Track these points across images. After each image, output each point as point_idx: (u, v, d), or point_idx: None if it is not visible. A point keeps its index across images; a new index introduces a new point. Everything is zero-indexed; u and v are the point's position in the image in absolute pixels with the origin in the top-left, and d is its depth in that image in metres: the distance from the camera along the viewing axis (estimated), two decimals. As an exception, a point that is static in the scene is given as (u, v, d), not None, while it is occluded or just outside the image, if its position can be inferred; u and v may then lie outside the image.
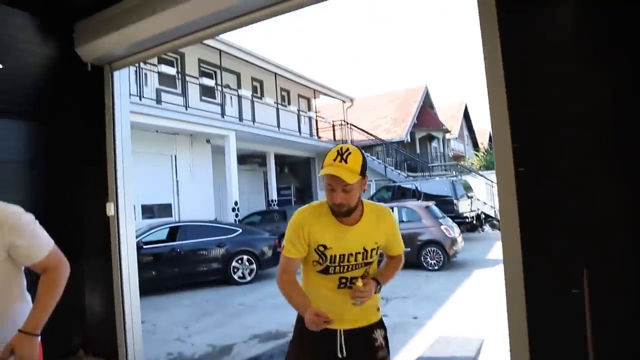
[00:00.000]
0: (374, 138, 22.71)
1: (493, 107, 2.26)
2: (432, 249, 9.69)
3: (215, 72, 15.41)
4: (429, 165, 24.43)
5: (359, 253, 1.93)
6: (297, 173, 21.23)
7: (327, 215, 1.93)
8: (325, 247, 1.92)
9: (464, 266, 9.86)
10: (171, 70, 12.95)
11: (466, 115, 34.72)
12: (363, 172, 1.87)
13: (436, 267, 9.56)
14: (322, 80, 21.24)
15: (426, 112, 27.67)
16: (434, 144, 28.83)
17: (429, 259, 9.66)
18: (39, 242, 1.97)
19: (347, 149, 1.85)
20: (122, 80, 4.28)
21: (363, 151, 2.00)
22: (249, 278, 9.30)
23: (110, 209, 4.14)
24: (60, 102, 4.33)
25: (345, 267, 1.93)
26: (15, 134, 4.08)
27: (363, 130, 22.44)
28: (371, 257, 1.96)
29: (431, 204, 10.97)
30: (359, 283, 1.88)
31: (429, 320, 5.89)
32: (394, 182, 18.97)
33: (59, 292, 1.99)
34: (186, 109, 12.80)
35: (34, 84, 4.16)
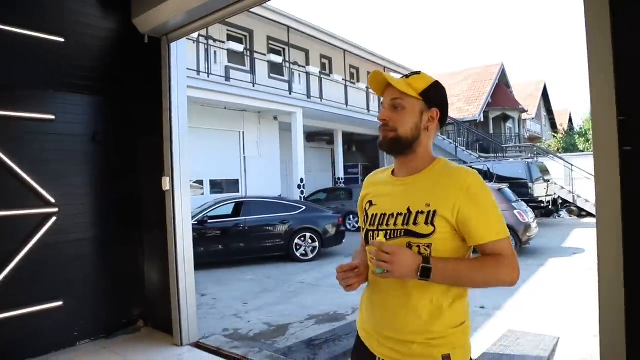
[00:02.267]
0: (445, 117, 21.66)
1: (594, 63, 1.75)
2: (506, 233, 8.99)
3: (283, 49, 15.24)
4: (503, 146, 23.01)
5: (400, 214, 1.37)
6: (364, 151, 20.78)
7: (387, 172, 1.54)
8: (370, 203, 1.51)
9: (537, 254, 9.08)
10: (239, 48, 12.91)
11: (545, 95, 32.28)
12: (430, 98, 1.40)
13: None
14: (392, 57, 20.48)
15: (501, 90, 25.99)
16: (509, 124, 27.10)
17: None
18: None
19: (418, 72, 1.45)
20: (179, 53, 4.12)
21: (442, 85, 1.48)
22: (311, 256, 9.16)
23: (165, 184, 4.04)
24: (119, 76, 4.28)
25: (383, 232, 1.40)
26: (79, 109, 4.09)
27: (433, 109, 21.41)
28: (415, 223, 1.33)
29: (504, 186, 10.19)
30: (380, 238, 1.34)
31: (497, 311, 5.39)
32: (464, 162, 18.03)
33: None
34: (253, 86, 12.75)
35: (95, 57, 4.13)
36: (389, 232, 1.39)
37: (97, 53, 4.13)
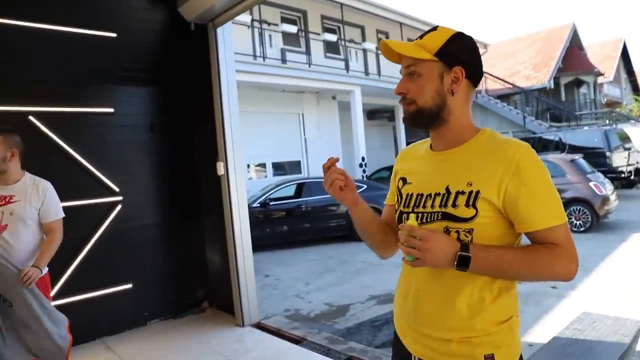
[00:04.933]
0: (511, 86, 20.40)
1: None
2: (578, 207, 8.33)
3: (338, 27, 14.93)
4: (576, 113, 21.31)
5: (438, 195, 1.18)
6: (426, 127, 20.13)
7: (426, 145, 1.33)
8: (404, 181, 1.31)
9: (618, 228, 8.33)
10: (293, 29, 12.78)
11: (624, 55, 29.35)
12: (448, 56, 1.17)
13: (582, 229, 8.22)
14: (453, 26, 19.45)
15: (574, 53, 23.94)
16: (583, 89, 25.01)
17: (573, 219, 8.34)
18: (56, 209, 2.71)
19: (435, 28, 1.22)
20: (226, 38, 4.07)
21: (466, 35, 1.23)
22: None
23: (220, 168, 4.05)
24: (170, 65, 4.32)
25: (418, 215, 1.21)
26: (135, 100, 4.18)
27: (498, 78, 20.24)
28: (455, 204, 1.14)
29: (577, 157, 9.40)
30: (411, 220, 1.13)
31: (571, 291, 4.96)
32: (533, 133, 16.91)
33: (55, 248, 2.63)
34: (310, 67, 12.62)
35: (146, 49, 4.18)
36: (424, 215, 1.20)
37: (147, 45, 4.19)
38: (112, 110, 3.99)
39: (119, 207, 4.02)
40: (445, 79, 1.18)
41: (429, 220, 1.19)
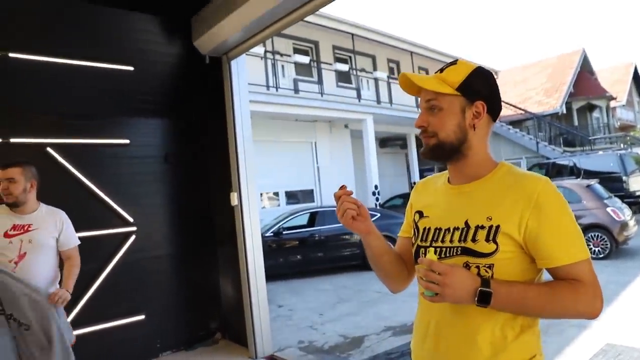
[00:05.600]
0: (523, 112, 20.36)
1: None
2: (596, 234, 8.14)
3: (349, 56, 15.14)
4: (590, 138, 21.11)
5: (457, 229, 1.17)
6: (438, 154, 20.08)
7: (443, 178, 1.32)
8: (421, 214, 1.30)
9: (638, 255, 8.10)
10: (305, 59, 13.00)
11: (636, 79, 29.21)
12: (470, 91, 1.17)
13: (601, 256, 8.00)
14: (462, 55, 19.65)
15: (584, 78, 23.91)
16: (595, 113, 24.84)
17: (591, 246, 8.13)
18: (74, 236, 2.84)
19: (455, 62, 1.23)
20: (240, 70, 4.13)
21: (486, 70, 1.24)
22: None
23: (234, 199, 4.05)
24: (185, 97, 4.39)
25: (437, 250, 1.19)
26: (151, 132, 4.24)
27: (510, 104, 20.23)
28: (475, 239, 1.13)
29: (593, 182, 9.24)
30: (430, 255, 1.11)
31: (593, 321, 4.76)
32: (547, 158, 16.75)
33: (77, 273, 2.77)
34: (322, 96, 12.76)
35: (162, 82, 4.26)
36: (443, 249, 1.18)
37: (163, 78, 4.27)
38: (127, 141, 4.04)
39: (133, 237, 4.01)
40: (467, 113, 1.18)
41: (448, 255, 1.17)
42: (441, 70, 1.23)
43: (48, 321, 2.38)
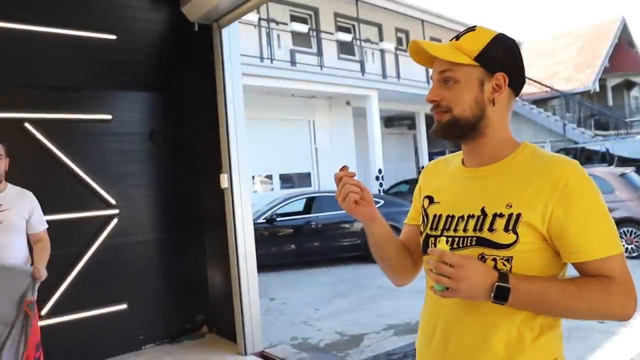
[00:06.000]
0: (549, 89, 20.47)
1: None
2: (629, 229, 8.29)
3: (353, 25, 15.19)
4: (626, 120, 21.26)
5: (472, 217, 1.17)
6: (452, 135, 20.19)
7: (457, 159, 1.33)
8: (431, 200, 1.30)
9: (674, 252, 8.30)
10: (304, 28, 13.06)
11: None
12: (490, 61, 1.17)
13: (634, 254, 8.18)
14: (481, 24, 19.63)
15: (623, 51, 23.91)
16: (634, 92, 24.96)
17: (624, 243, 8.30)
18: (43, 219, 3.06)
19: (473, 28, 1.22)
20: (232, 39, 4.28)
21: (509, 37, 1.23)
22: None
23: (224, 181, 4.23)
24: (172, 69, 4.55)
25: (449, 240, 1.18)
26: (135, 107, 4.43)
27: (534, 81, 20.32)
28: (492, 229, 1.13)
29: (629, 170, 9.36)
30: (441, 245, 1.11)
31: (621, 327, 4.78)
32: (575, 143, 16.94)
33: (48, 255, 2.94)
34: (322, 69, 12.85)
35: (146, 52, 4.42)
36: (456, 239, 1.19)
37: (148, 47, 4.43)
38: (110, 117, 4.22)
39: (115, 221, 4.22)
40: (486, 86, 1.18)
41: (461, 245, 1.17)
42: (457, 37, 1.22)
43: (7, 305, 2.63)
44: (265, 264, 7.47)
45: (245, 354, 4.19)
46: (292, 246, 8.94)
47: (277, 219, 8.80)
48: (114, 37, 4.17)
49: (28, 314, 2.74)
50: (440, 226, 1.24)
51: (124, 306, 4.23)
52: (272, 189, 12.88)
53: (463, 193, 1.23)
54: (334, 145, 14.07)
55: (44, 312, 3.77)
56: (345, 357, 4.55)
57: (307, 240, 9.04)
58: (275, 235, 8.82)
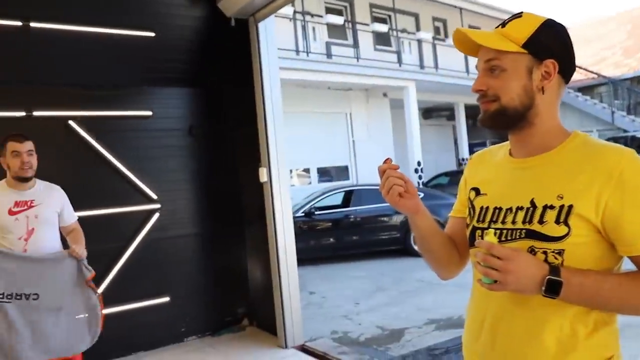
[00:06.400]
0: (596, 76, 19.71)
1: None
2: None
3: (389, 16, 15.01)
4: (680, 107, 20.26)
5: (521, 209, 1.14)
6: (492, 126, 19.75)
7: (504, 150, 1.30)
8: (477, 192, 1.28)
9: None
10: (339, 20, 12.99)
11: None
12: (539, 48, 1.13)
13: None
14: (523, 10, 19.06)
15: (676, 34, 22.79)
16: (690, 76, 23.72)
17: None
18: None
19: (519, 15, 1.19)
20: (269, 33, 4.27)
21: (558, 23, 1.19)
22: (431, 249, 8.98)
23: (262, 175, 4.24)
24: (209, 65, 4.59)
25: (497, 232, 1.16)
26: (174, 102, 4.49)
27: (580, 67, 19.60)
28: (542, 221, 1.10)
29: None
30: (489, 237, 1.09)
31: None
32: (624, 131, 16.28)
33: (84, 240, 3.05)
34: (358, 61, 12.77)
35: (184, 48, 4.47)
36: (504, 232, 1.16)
37: (185, 44, 4.47)
38: (150, 113, 4.29)
39: (157, 215, 4.30)
40: (535, 74, 1.15)
41: (509, 238, 1.15)
42: (503, 24, 1.19)
43: (58, 291, 2.81)
44: (303, 258, 7.47)
45: (286, 347, 4.19)
46: (331, 240, 8.94)
47: (316, 213, 8.82)
48: (152, 34, 4.22)
49: (95, 289, 2.93)
50: (488, 218, 1.22)
51: (166, 299, 4.31)
52: (310, 183, 12.91)
53: (511, 184, 1.20)
54: (372, 138, 13.98)
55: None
56: (386, 352, 4.51)
57: (345, 234, 9.01)
58: (314, 228, 8.83)
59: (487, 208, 1.23)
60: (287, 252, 4.27)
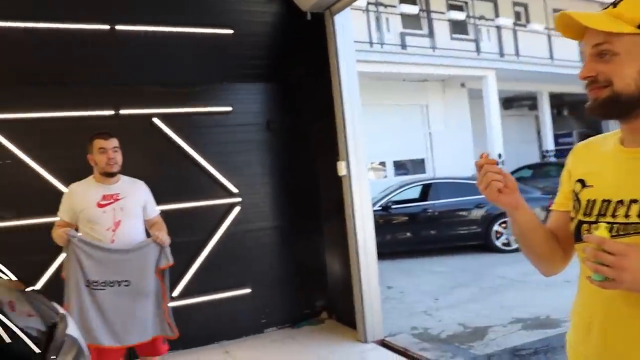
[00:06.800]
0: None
1: None
2: None
3: (465, 3, 14.51)
4: None
5: (635, 202, 1.06)
6: (580, 115, 18.58)
7: (613, 139, 1.21)
8: (583, 183, 1.21)
9: None
10: (414, 10, 12.73)
11: None
12: None
13: None
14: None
15: None
16: None
17: None
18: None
19: None
20: (345, 26, 4.23)
21: None
22: (514, 246, 8.59)
23: (341, 168, 4.22)
24: (286, 59, 4.64)
25: (605, 226, 1.07)
26: (253, 98, 4.58)
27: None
28: None
29: None
30: (601, 231, 1.01)
31: None
32: None
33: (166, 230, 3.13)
34: (433, 51, 12.47)
35: (262, 44, 4.54)
36: (615, 226, 1.08)
37: (263, 39, 4.52)
38: (230, 108, 4.40)
39: (237, 209, 4.40)
40: None
41: (622, 233, 1.07)
42: (614, 4, 1.09)
43: (146, 277, 2.95)
44: (379, 252, 7.42)
45: (366, 341, 4.17)
46: (408, 234, 8.81)
47: (393, 207, 8.72)
48: (231, 31, 4.29)
49: (159, 279, 3.00)
50: (595, 212, 1.14)
51: (247, 290, 4.41)
52: (386, 176, 12.79)
53: (623, 175, 1.11)
54: (449, 130, 13.62)
55: (175, 294, 4.05)
56: (469, 350, 4.36)
57: (423, 228, 8.84)
58: (390, 222, 8.73)
59: (594, 201, 1.15)
60: (366, 247, 4.24)
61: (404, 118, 13.01)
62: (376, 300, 4.28)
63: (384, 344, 4.18)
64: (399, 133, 12.75)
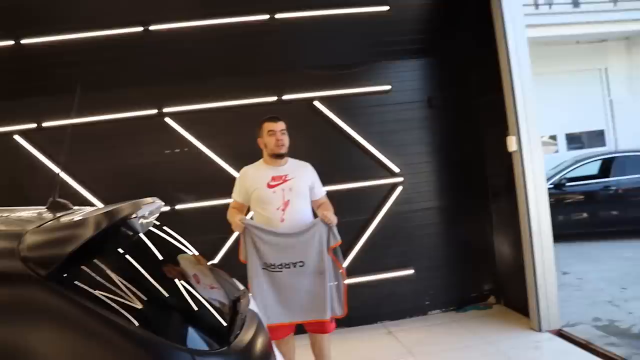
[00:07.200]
0: None
1: None
2: None
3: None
4: None
5: None
6: None
7: None
8: None
9: None
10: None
11: None
12: None
13: None
14: None
15: None
16: None
17: None
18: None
19: None
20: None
21: None
22: None
23: (511, 144, 3.94)
24: (445, 31, 4.42)
25: None
26: (411, 74, 4.48)
27: None
28: None
29: None
30: None
31: None
32: None
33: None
34: (615, 4, 10.95)
35: (419, 18, 4.39)
36: None
37: (419, 12, 4.33)
38: (388, 87, 4.33)
39: (400, 188, 4.35)
40: None
41: None
42: None
43: (318, 256, 3.03)
44: (554, 234, 6.87)
45: (540, 330, 3.88)
46: (584, 214, 7.99)
47: (566, 184, 7.97)
48: (387, 8, 4.16)
49: (333, 258, 3.06)
50: None
51: (411, 271, 4.37)
52: (557, 151, 11.71)
53: None
54: (636, 96, 11.95)
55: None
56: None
57: (602, 208, 7.97)
58: (563, 201, 8.01)
59: None
60: (540, 228, 3.92)
61: (577, 85, 11.72)
62: (552, 286, 3.94)
63: (561, 334, 3.86)
64: (572, 102, 11.53)
